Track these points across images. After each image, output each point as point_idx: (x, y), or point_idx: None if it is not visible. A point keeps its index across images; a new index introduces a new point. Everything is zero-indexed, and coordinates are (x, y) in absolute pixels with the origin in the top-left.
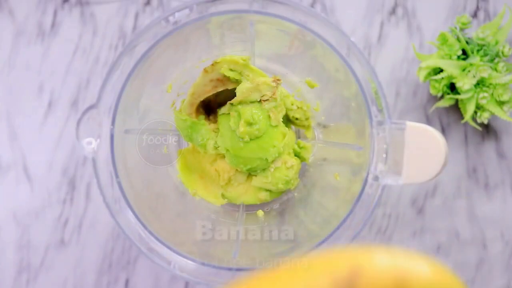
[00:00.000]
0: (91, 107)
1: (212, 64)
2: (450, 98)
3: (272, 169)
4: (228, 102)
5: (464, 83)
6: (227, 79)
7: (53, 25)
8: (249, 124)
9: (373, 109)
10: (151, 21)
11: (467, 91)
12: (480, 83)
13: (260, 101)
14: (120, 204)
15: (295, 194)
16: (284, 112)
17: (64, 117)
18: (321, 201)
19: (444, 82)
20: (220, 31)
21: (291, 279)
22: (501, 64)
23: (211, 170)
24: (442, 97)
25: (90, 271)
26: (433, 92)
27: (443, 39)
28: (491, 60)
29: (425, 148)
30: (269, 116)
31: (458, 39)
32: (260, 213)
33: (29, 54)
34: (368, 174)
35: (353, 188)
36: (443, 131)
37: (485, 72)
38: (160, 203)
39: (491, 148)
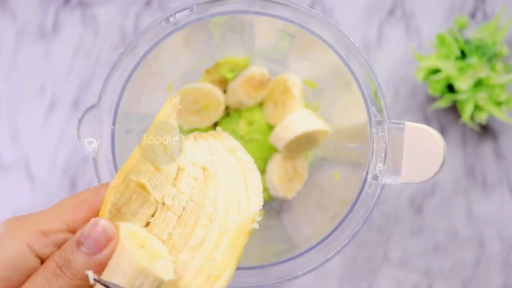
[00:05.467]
0: (92, 107)
1: (215, 65)
2: (449, 99)
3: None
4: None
5: (463, 84)
6: (227, 80)
7: (54, 25)
8: (250, 123)
9: (372, 109)
10: (151, 21)
11: (465, 91)
12: (478, 84)
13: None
14: None
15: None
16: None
17: (66, 117)
18: (321, 201)
19: (443, 82)
20: (220, 31)
21: None
22: (499, 65)
23: None
24: (440, 97)
25: None
26: (431, 92)
27: (441, 40)
28: (489, 61)
29: (423, 148)
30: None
31: (456, 40)
32: (260, 212)
33: (31, 54)
34: (367, 173)
35: (352, 188)
36: (442, 131)
37: (483, 72)
38: None
39: (489, 148)
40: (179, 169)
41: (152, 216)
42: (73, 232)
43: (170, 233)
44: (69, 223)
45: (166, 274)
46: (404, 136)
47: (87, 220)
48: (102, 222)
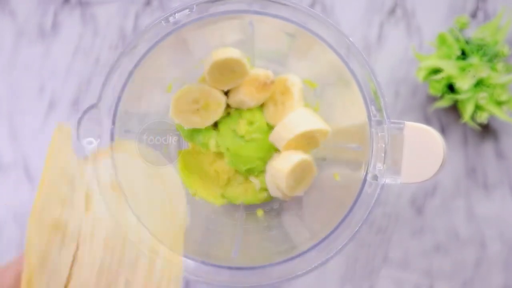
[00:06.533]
0: (91, 107)
1: None
2: (449, 98)
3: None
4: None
5: (463, 83)
6: None
7: (53, 25)
8: (250, 123)
9: (372, 109)
10: (151, 21)
11: (466, 91)
12: (479, 83)
13: (261, 105)
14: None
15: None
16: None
17: (65, 117)
18: (321, 201)
19: (443, 82)
20: (220, 31)
21: None
22: (500, 64)
23: (211, 171)
24: (441, 97)
25: None
26: (432, 92)
27: (442, 40)
28: (490, 60)
29: (424, 148)
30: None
31: (457, 40)
32: (260, 212)
33: (30, 54)
34: (367, 173)
35: (352, 188)
36: (442, 131)
37: (484, 72)
38: None
39: (490, 148)
40: (86, 196)
41: (76, 251)
42: None
43: (101, 264)
44: None
45: None
46: (404, 136)
47: None
48: None
